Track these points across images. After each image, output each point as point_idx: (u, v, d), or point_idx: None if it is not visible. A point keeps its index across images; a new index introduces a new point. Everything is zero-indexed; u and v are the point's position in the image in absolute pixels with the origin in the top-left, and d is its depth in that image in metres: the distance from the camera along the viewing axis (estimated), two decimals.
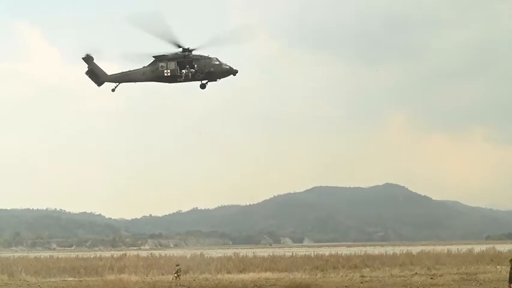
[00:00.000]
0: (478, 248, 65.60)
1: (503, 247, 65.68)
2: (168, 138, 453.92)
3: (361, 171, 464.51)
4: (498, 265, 46.06)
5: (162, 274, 45.25)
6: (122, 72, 33.70)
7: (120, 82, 33.57)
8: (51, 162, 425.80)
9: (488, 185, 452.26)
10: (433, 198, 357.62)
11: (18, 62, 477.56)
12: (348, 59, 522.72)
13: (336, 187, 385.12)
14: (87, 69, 33.70)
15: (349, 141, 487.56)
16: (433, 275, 39.31)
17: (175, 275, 38.12)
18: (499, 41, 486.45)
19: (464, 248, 68.15)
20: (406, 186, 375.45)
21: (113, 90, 33.79)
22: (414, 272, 42.87)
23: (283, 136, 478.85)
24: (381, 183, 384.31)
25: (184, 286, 34.73)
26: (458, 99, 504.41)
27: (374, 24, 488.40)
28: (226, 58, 32.81)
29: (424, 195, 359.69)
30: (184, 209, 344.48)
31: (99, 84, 33.85)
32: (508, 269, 17.28)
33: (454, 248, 66.51)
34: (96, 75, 33.61)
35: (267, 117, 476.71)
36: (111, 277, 42.41)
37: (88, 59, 33.62)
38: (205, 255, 64.52)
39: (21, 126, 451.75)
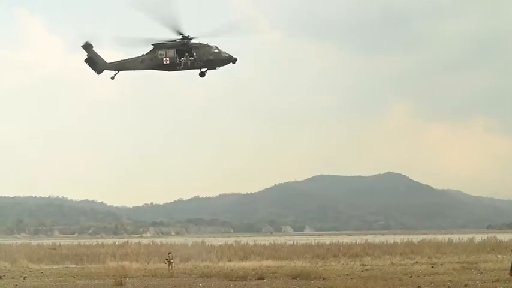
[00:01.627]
0: (479, 237, 65.71)
1: (504, 236, 65.79)
2: (170, 127, 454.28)
3: (362, 160, 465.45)
4: (499, 254, 46.14)
5: (164, 262, 45.43)
6: (121, 60, 33.61)
7: (119, 70, 33.48)
8: (53, 150, 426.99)
9: (490, 174, 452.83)
10: (434, 187, 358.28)
11: (18, 50, 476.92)
12: (350, 49, 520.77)
13: (337, 176, 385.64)
14: (86, 57, 33.61)
15: (351, 131, 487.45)
16: (433, 264, 39.39)
17: (168, 262, 38.11)
18: (500, 31, 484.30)
19: (465, 237, 68.30)
20: (407, 175, 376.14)
21: (112, 78, 33.72)
22: (415, 261, 42.96)
23: (284, 125, 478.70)
24: (382, 172, 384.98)
25: (185, 273, 34.87)
26: (460, 89, 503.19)
27: (375, 15, 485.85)
28: (226, 47, 32.71)
29: (426, 184, 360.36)
30: (186, 197, 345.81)
31: (99, 72, 33.76)
32: (510, 258, 17.26)
33: (455, 237, 66.67)
34: (95, 63, 33.52)
35: (269, 106, 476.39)
36: (113, 264, 42.61)
37: (87, 46, 33.51)
38: (207, 243, 64.75)
39: (24, 114, 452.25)
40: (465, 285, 24.84)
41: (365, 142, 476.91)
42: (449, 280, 27.33)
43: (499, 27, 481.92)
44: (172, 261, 37.83)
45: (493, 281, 26.32)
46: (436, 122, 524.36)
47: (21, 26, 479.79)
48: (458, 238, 64.94)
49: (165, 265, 37.80)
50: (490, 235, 71.25)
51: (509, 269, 16.91)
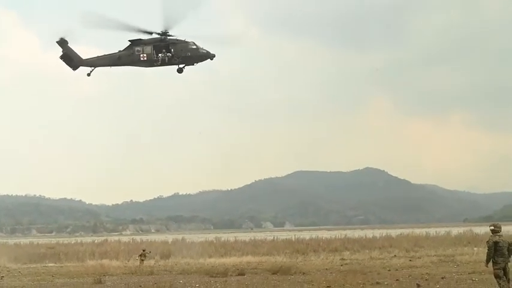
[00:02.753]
0: (455, 231, 66.78)
1: (480, 229, 66.92)
2: (149, 124, 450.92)
3: (341, 155, 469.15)
4: (475, 247, 46.97)
5: (136, 258, 45.25)
6: (98, 57, 33.24)
7: (95, 66, 33.10)
8: (30, 148, 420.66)
9: (467, 168, 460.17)
10: (412, 182, 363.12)
11: None
12: (329, 45, 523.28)
13: (317, 171, 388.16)
14: (61, 53, 33.17)
15: (330, 126, 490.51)
16: (411, 257, 39.94)
17: (139, 258, 37.83)
18: (479, 26, 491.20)
19: (442, 230, 69.34)
20: (386, 170, 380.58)
21: (88, 74, 33.32)
22: (393, 255, 43.50)
23: (264, 121, 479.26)
24: (361, 168, 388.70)
25: (166, 270, 34.79)
26: (438, 84, 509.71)
27: (354, 9, 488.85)
28: (204, 44, 32.60)
29: (404, 179, 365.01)
30: (166, 194, 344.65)
31: (74, 68, 33.34)
32: (485, 250, 17.63)
33: (432, 231, 67.63)
34: (71, 59, 33.07)
35: (247, 102, 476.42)
36: (92, 262, 42.28)
37: (62, 42, 33.03)
38: (187, 240, 64.63)
39: None
40: (442, 278, 25.28)
41: (344, 138, 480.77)
42: (427, 273, 27.78)
43: (478, 23, 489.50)
44: (143, 258, 37.65)
45: (469, 273, 26.84)
46: (415, 117, 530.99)
47: None
48: (436, 232, 65.91)
49: (145, 262, 37.66)
50: (466, 228, 72.48)
51: (485, 260, 17.28)
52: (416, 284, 22.91)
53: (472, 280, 23.99)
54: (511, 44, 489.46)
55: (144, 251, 39.15)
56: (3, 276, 33.40)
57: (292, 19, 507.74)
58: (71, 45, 33.33)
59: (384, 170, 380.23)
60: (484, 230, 61.39)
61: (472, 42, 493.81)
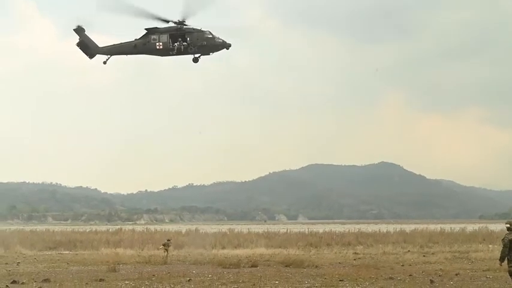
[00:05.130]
0: (470, 227, 66.13)
1: (495, 226, 66.18)
2: (165, 114, 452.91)
3: (356, 149, 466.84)
4: (490, 244, 46.50)
5: (158, 248, 45.51)
6: (114, 45, 33.33)
7: (111, 54, 33.21)
8: (47, 136, 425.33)
9: (483, 165, 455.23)
10: (427, 177, 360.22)
11: (12, 35, 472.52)
12: (345, 39, 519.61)
13: (331, 165, 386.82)
14: (78, 40, 33.35)
15: (346, 120, 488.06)
16: (425, 253, 39.71)
17: (163, 248, 38.04)
18: (495, 22, 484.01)
19: (457, 227, 68.67)
20: (401, 165, 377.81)
21: (105, 62, 33.45)
22: (407, 250, 43.27)
23: (279, 114, 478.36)
24: (376, 162, 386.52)
25: (179, 260, 35.03)
26: (454, 80, 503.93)
27: (369, 3, 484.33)
28: (220, 34, 32.49)
29: (419, 174, 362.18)
30: (180, 185, 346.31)
31: (91, 56, 33.51)
32: (500, 248, 17.42)
33: (447, 227, 67.00)
34: (88, 47, 33.24)
35: (263, 95, 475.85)
36: (106, 251, 42.72)
37: (79, 30, 33.21)
38: (200, 231, 64.90)
39: (18, 100, 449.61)
40: (456, 274, 25.10)
41: (359, 131, 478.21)
42: (441, 269, 27.59)
43: (495, 18, 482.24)
44: (167, 248, 37.85)
45: (483, 270, 26.61)
46: (431, 113, 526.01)
47: (14, 10, 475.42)
48: (450, 228, 65.28)
49: (158, 252, 37.87)
50: (481, 225, 71.68)
51: (499, 258, 17.09)
52: (430, 280, 22.77)
53: (487, 277, 23.78)
54: None
55: (168, 240, 39.35)
56: (19, 262, 33.92)
57: (308, 12, 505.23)
58: (88, 33, 33.53)
59: (399, 165, 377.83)
60: (499, 227, 60.75)
61: (486, 38, 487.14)
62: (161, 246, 38.08)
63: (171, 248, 37.87)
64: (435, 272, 26.33)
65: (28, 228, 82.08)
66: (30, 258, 37.58)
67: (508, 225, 17.03)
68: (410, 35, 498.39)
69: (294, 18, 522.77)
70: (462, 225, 71.91)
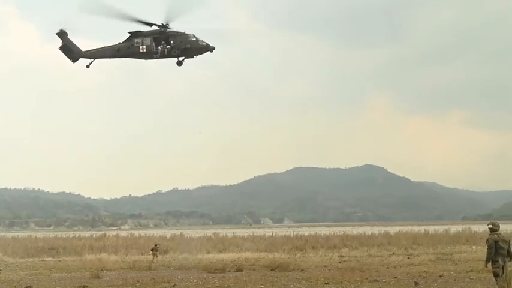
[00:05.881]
0: (454, 229, 66.78)
1: (478, 227, 66.92)
2: (148, 117, 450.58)
3: (341, 152, 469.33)
4: (474, 245, 46.96)
5: (142, 254, 45.20)
6: (97, 48, 33.11)
7: (94, 58, 32.98)
8: (29, 142, 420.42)
9: (466, 166, 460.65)
10: (411, 180, 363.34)
11: None
12: (330, 41, 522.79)
13: (316, 168, 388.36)
14: (61, 44, 33.07)
15: (330, 123, 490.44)
16: (410, 255, 39.92)
17: (152, 253, 37.91)
18: (477, 25, 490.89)
19: (441, 228, 69.31)
20: (385, 168, 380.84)
21: (88, 66, 33.20)
22: (392, 252, 43.47)
23: (263, 117, 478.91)
24: (360, 165, 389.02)
25: (164, 266, 34.75)
26: (437, 83, 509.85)
27: (355, 7, 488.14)
28: (206, 38, 32.42)
29: (403, 177, 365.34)
30: (165, 189, 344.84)
31: (74, 60, 33.24)
32: (484, 249, 17.54)
33: (431, 229, 67.61)
34: (71, 51, 32.97)
35: (248, 98, 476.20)
36: (90, 257, 42.24)
37: (62, 34, 32.93)
38: (185, 235, 64.61)
39: None
40: (440, 276, 25.23)
41: (343, 134, 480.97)
42: (425, 271, 27.73)
43: (476, 21, 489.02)
44: (155, 253, 37.70)
45: (467, 271, 26.79)
46: (415, 115, 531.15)
47: None
48: (434, 229, 65.89)
49: (143, 257, 37.60)
50: (465, 226, 72.50)
51: (485, 259, 17.18)
52: (414, 282, 22.85)
53: (470, 279, 23.92)
54: (509, 43, 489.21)
55: (156, 245, 39.09)
56: (0, 270, 33.35)
57: (296, 15, 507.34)
58: (71, 37, 33.25)
59: (383, 167, 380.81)
60: (482, 228, 61.43)
61: (471, 41, 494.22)
62: (151, 252, 37.89)
63: (151, 253, 37.69)
64: (419, 273, 26.45)
65: (10, 235, 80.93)
66: (12, 266, 36.99)
67: (491, 226, 17.13)
68: (396, 38, 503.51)
69: (281, 22, 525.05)
70: (446, 227, 72.58)
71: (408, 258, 37.24)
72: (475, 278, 24.09)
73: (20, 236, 71.28)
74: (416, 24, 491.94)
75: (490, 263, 16.89)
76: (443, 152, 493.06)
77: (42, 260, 43.22)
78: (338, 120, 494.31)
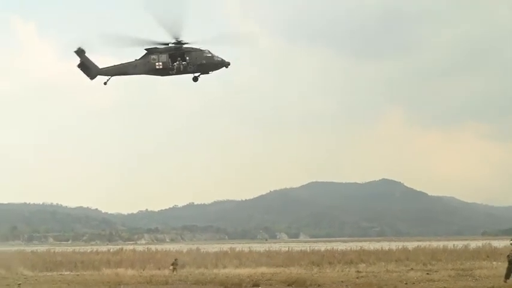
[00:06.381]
0: (474, 244, 65.78)
1: (499, 243, 65.81)
2: (164, 133, 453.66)
3: (357, 166, 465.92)
4: (494, 261, 46.21)
5: (159, 268, 45.30)
6: (114, 65, 33.66)
7: (112, 75, 33.55)
8: (47, 157, 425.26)
9: (485, 180, 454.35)
10: (429, 194, 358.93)
11: (12, 58, 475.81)
12: (345, 55, 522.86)
13: (332, 182, 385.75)
14: (79, 62, 33.69)
15: (346, 137, 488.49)
16: (428, 271, 39.44)
17: (172, 267, 38.22)
18: (493, 36, 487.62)
19: (460, 243, 68.33)
20: (402, 182, 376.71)
21: (105, 83, 33.79)
22: (410, 268, 42.99)
23: (279, 131, 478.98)
24: (377, 179, 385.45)
25: (181, 280, 34.79)
26: (454, 96, 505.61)
27: (370, 20, 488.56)
28: (221, 53, 32.78)
29: (420, 191, 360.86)
30: (181, 204, 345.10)
31: (92, 77, 33.83)
32: (505, 265, 17.33)
33: (450, 244, 66.71)
34: (88, 69, 33.57)
35: (263, 112, 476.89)
36: (107, 271, 42.47)
37: (80, 52, 33.58)
38: (201, 250, 64.58)
39: (18, 122, 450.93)
40: None
41: (360, 148, 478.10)
42: (444, 287, 27.38)
43: (492, 33, 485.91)
44: (175, 267, 37.94)
45: None
46: (431, 128, 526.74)
47: (13, 32, 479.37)
48: (453, 245, 64.97)
49: (159, 271, 37.72)
50: (485, 242, 71.32)
51: (504, 275, 16.97)
52: None
53: None
54: None
55: (176, 260, 39.36)
56: (20, 284, 33.67)
57: (308, 28, 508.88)
58: (88, 54, 33.87)
59: (400, 182, 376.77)
60: (503, 243, 60.35)
61: (486, 53, 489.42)
62: (171, 266, 38.16)
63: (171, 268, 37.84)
64: None
65: (29, 249, 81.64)
66: (32, 279, 37.33)
67: None
68: (410, 51, 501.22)
69: (294, 35, 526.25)
70: (465, 242, 71.52)
71: (427, 274, 36.79)
72: None
73: (38, 250, 71.89)
74: (431, 37, 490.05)
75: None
76: (461, 165, 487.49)
77: (61, 274, 43.56)
78: (354, 134, 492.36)
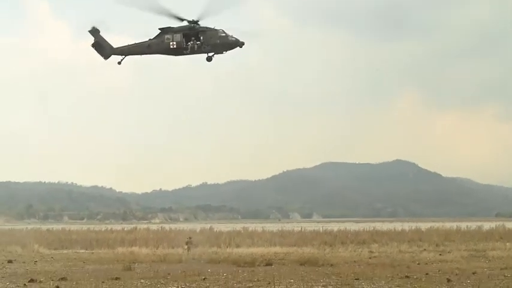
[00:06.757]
0: (487, 225, 65.48)
1: None
2: (179, 113, 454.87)
3: (371, 147, 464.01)
4: (507, 242, 46.01)
5: (172, 247, 45.75)
6: (128, 45, 33.63)
7: (126, 55, 33.53)
8: (62, 136, 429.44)
9: (500, 163, 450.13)
10: (443, 175, 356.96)
11: (27, 37, 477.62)
12: (358, 37, 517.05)
13: (345, 163, 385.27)
14: (93, 41, 33.69)
15: (360, 118, 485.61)
16: (441, 252, 39.38)
17: (187, 246, 38.63)
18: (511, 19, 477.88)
19: (473, 225, 68.06)
20: (416, 163, 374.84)
21: (119, 62, 33.82)
22: (423, 248, 42.97)
23: (293, 112, 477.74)
24: (391, 160, 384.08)
25: (194, 259, 35.14)
26: (469, 77, 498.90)
27: (384, 2, 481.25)
28: (234, 34, 32.50)
29: (434, 172, 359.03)
30: (194, 184, 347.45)
31: (106, 57, 33.85)
32: None
33: (463, 225, 66.46)
34: (103, 48, 33.58)
35: (277, 93, 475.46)
36: (122, 250, 43.02)
37: (94, 31, 33.58)
38: (215, 229, 65.08)
39: (34, 101, 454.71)
40: (473, 273, 24.84)
41: (373, 130, 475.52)
42: (457, 268, 27.33)
43: (510, 15, 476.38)
44: (189, 246, 38.38)
45: (501, 269, 26.31)
46: (446, 110, 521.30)
47: (28, 12, 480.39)
48: (467, 226, 64.72)
49: (173, 250, 38.14)
50: (498, 223, 70.93)
51: None
52: (447, 278, 22.56)
53: (505, 276, 23.50)
54: None
55: (190, 238, 39.75)
56: (36, 261, 34.28)
57: (323, 10, 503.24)
58: (103, 34, 33.84)
59: (414, 163, 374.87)
60: None
61: (504, 34, 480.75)
62: (186, 246, 38.59)
63: (185, 247, 38.26)
64: (452, 270, 26.09)
65: (45, 227, 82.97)
66: (47, 257, 37.96)
67: None
68: (427, 33, 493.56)
69: (308, 17, 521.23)
70: (478, 223, 71.23)
71: (440, 254, 36.74)
72: (509, 275, 23.65)
73: (54, 229, 73.00)
74: (449, 19, 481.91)
75: None
76: (477, 147, 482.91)
77: (76, 252, 44.24)
78: (368, 115, 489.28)
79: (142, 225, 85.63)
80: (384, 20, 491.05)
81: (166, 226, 78.43)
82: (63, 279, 23.70)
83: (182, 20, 31.92)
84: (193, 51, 32.40)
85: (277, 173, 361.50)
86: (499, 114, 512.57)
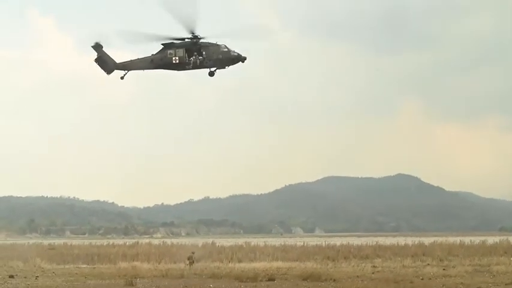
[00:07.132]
0: (491, 240, 65.08)
1: None
2: (180, 127, 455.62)
3: (373, 161, 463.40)
4: None
5: (174, 262, 45.55)
6: (131, 60, 33.85)
7: (129, 70, 33.72)
8: (65, 151, 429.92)
9: (503, 176, 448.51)
10: (446, 189, 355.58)
11: (30, 51, 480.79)
12: (364, 49, 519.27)
13: (348, 177, 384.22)
14: (96, 57, 33.89)
15: (362, 131, 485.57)
16: (445, 266, 39.10)
17: (188, 262, 38.45)
18: None
19: (477, 239, 67.66)
20: (418, 177, 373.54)
21: (122, 77, 34.00)
22: (426, 263, 42.67)
23: (295, 125, 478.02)
24: (393, 174, 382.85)
25: (196, 274, 34.94)
26: (471, 89, 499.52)
27: (386, 13, 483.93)
28: (237, 47, 32.73)
29: (437, 186, 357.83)
30: (196, 198, 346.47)
31: (109, 72, 34.02)
32: None
33: (467, 240, 66.07)
34: (105, 63, 33.78)
35: (279, 106, 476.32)
36: (123, 264, 42.81)
37: (97, 47, 33.80)
38: (217, 244, 64.80)
39: (35, 115, 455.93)
40: None
41: (376, 143, 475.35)
42: (461, 283, 27.12)
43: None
44: (192, 261, 38.17)
45: (506, 284, 26.10)
46: (448, 122, 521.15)
47: (32, 26, 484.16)
48: (470, 240, 64.34)
49: (175, 265, 37.93)
50: (502, 237, 70.50)
51: None
52: None
53: None
54: None
55: (193, 253, 39.57)
56: (37, 276, 34.10)
57: (325, 23, 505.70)
58: (105, 49, 34.05)
59: (416, 177, 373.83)
60: None
61: (506, 45, 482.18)
62: (187, 261, 38.42)
63: (186, 262, 38.07)
64: (456, 286, 25.91)
65: (46, 242, 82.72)
66: (49, 272, 37.78)
67: None
68: (428, 44, 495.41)
69: (311, 29, 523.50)
70: (482, 238, 70.79)
71: (443, 269, 36.47)
72: None
73: (56, 243, 72.76)
74: (451, 31, 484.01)
75: None
76: (479, 159, 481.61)
77: (78, 267, 44.01)
78: (370, 129, 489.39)
79: (144, 240, 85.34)
80: (386, 32, 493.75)
81: (168, 241, 78.13)
82: None
83: (183, 39, 32.21)
84: (195, 66, 32.60)
85: (279, 187, 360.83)
86: (501, 126, 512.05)
